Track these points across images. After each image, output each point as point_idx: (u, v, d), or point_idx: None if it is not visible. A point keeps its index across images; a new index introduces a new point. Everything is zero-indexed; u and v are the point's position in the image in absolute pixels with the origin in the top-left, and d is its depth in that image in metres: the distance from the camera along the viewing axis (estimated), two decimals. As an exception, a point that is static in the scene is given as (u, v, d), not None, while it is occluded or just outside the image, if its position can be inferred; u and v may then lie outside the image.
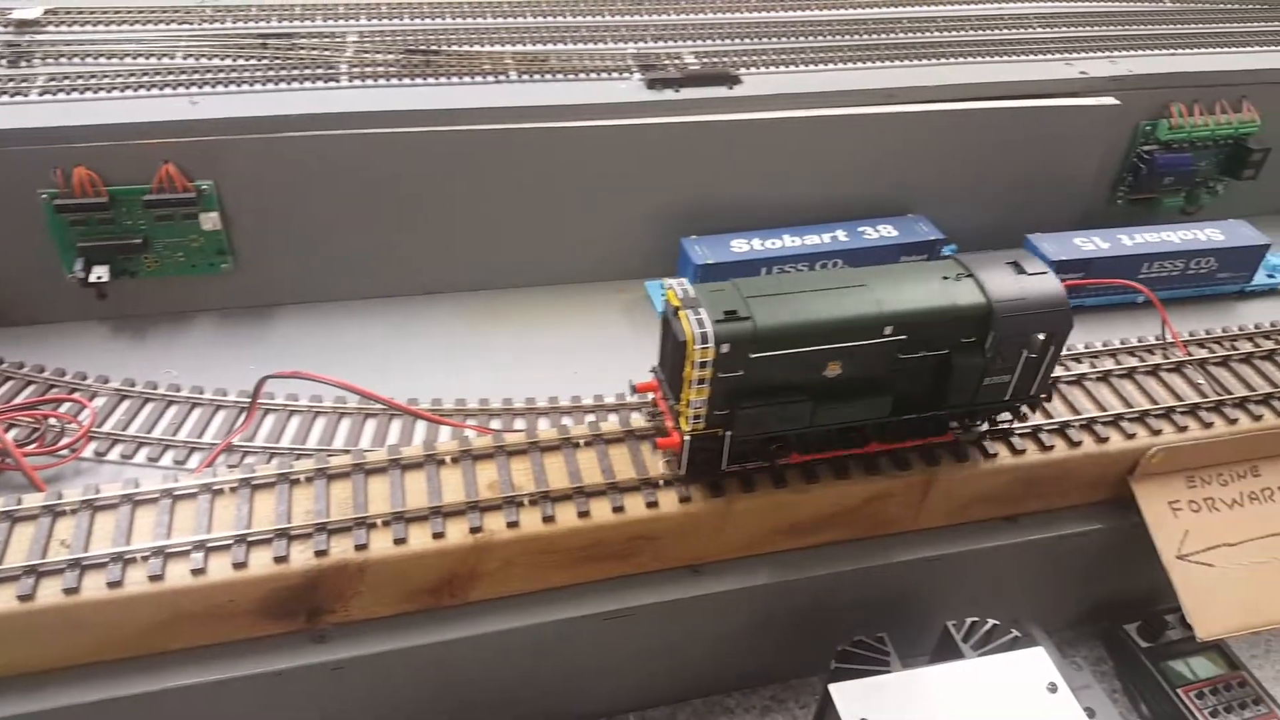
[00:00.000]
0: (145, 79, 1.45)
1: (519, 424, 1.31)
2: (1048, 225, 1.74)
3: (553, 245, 1.61)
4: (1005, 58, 1.80)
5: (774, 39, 1.78)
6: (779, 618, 1.20)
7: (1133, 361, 1.34)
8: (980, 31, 1.88)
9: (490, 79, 1.55)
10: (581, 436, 1.13)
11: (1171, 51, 1.89)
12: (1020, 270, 1.04)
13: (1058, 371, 1.27)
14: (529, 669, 1.12)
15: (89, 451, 1.22)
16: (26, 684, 0.95)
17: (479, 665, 1.09)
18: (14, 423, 1.22)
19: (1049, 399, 1.14)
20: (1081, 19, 1.98)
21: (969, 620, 1.16)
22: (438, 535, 1.00)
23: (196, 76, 1.47)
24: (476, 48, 1.63)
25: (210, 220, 1.40)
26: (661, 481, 1.09)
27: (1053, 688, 1.03)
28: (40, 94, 1.41)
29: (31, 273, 1.41)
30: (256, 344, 1.46)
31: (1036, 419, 1.20)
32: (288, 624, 1.00)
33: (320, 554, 0.96)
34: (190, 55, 1.54)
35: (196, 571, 0.94)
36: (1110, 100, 1.73)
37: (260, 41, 1.59)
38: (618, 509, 1.06)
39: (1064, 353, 1.25)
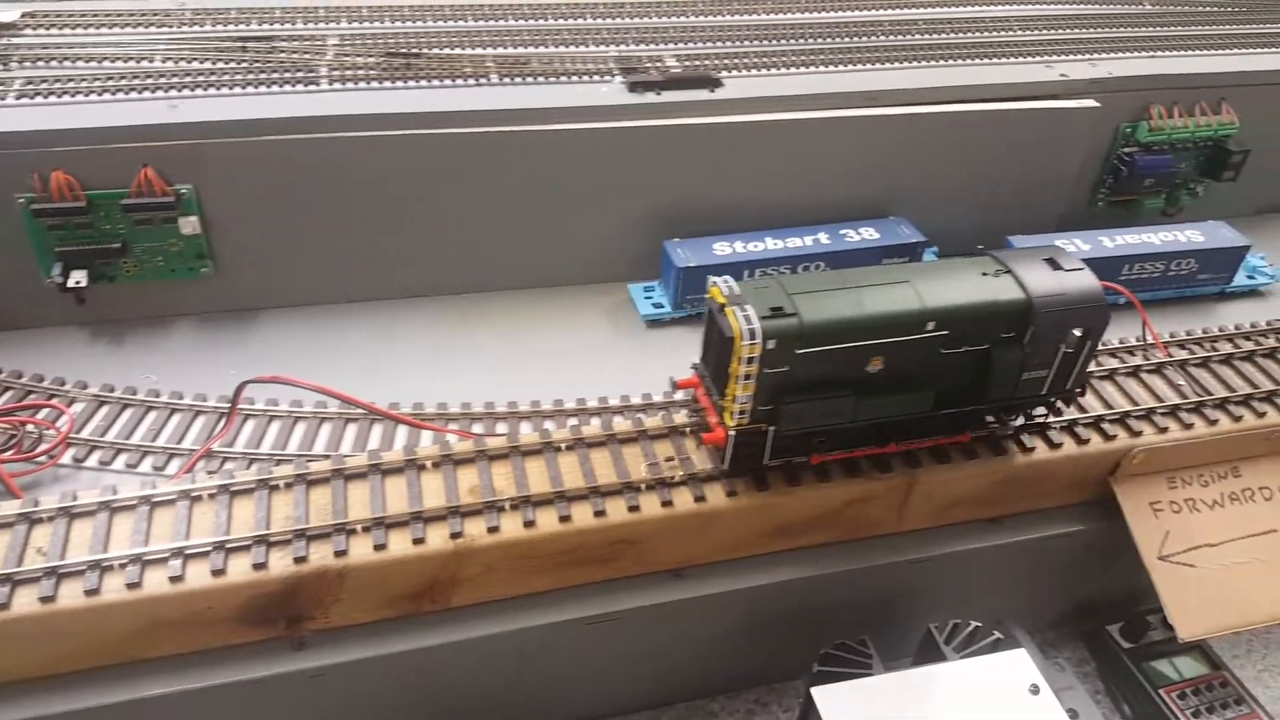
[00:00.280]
0: (123, 82, 1.44)
1: (501, 428, 1.31)
2: (1029, 227, 1.75)
3: (534, 248, 1.60)
4: (986, 60, 1.81)
5: (755, 42, 1.78)
6: (762, 621, 1.20)
7: (1113, 363, 1.35)
8: (961, 34, 1.89)
9: (471, 82, 1.54)
10: (562, 440, 1.13)
11: (1151, 54, 1.90)
12: (1056, 266, 1.06)
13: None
14: (511, 675, 1.12)
15: (67, 458, 1.20)
16: (2, 694, 0.94)
17: (461, 671, 1.08)
18: (-10, 429, 1.21)
19: (1084, 394, 1.16)
20: (1062, 22, 1.99)
21: (951, 622, 1.16)
22: (418, 541, 1.00)
23: (175, 80, 1.46)
24: (458, 50, 1.63)
25: (190, 224, 1.39)
26: (643, 486, 1.09)
27: (1035, 689, 1.04)
28: (17, 98, 1.40)
29: (9, 278, 1.40)
30: (237, 349, 1.45)
31: (1018, 421, 1.20)
32: (267, 631, 0.99)
33: (299, 560, 0.96)
34: (169, 58, 1.53)
35: (175, 579, 0.93)
36: (1090, 103, 1.74)
37: (239, 44, 1.58)
38: (599, 513, 1.05)
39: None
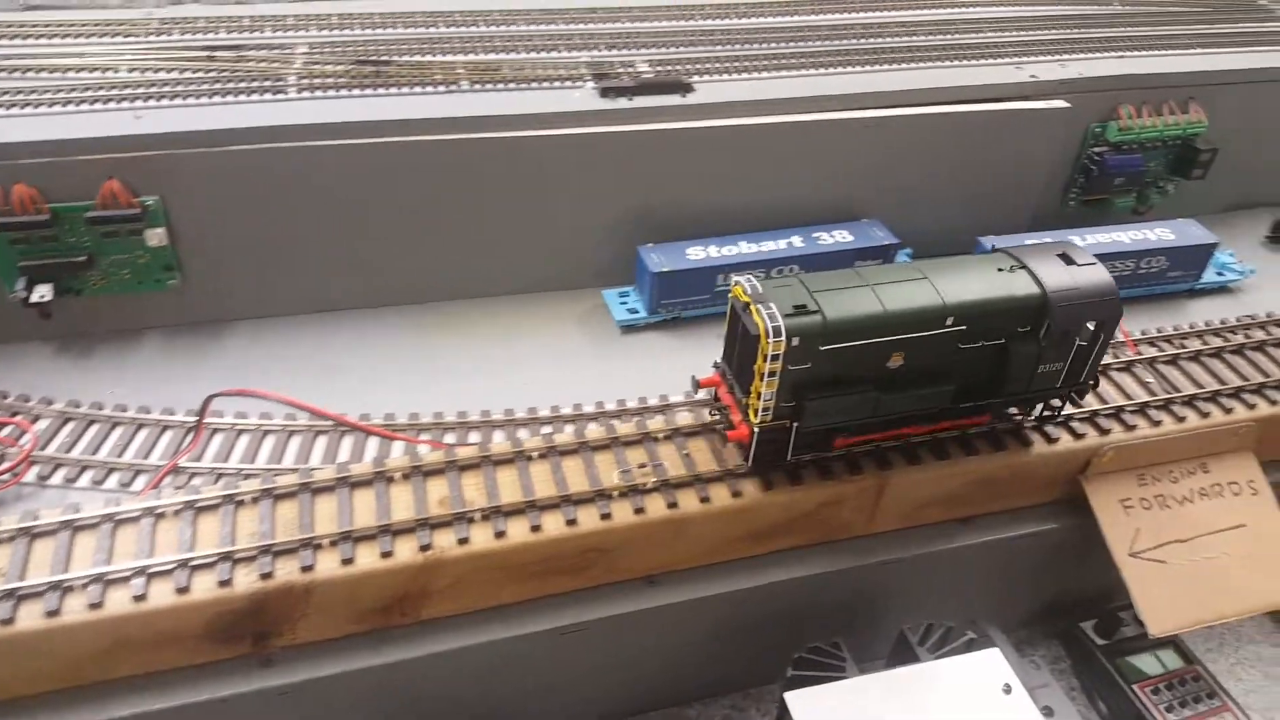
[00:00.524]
0: (87, 93, 1.43)
1: (474, 437, 1.30)
2: (1002, 227, 1.75)
3: (507, 255, 1.59)
4: (958, 62, 1.81)
5: (727, 46, 1.78)
6: (737, 626, 1.19)
7: (1083, 362, 1.36)
8: (933, 37, 1.90)
9: (442, 89, 1.54)
10: (534, 449, 1.12)
11: (1120, 54, 1.91)
12: (1070, 261, 1.08)
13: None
14: (484, 687, 1.11)
15: (31, 476, 1.19)
16: (-37, 717, 0.93)
17: (432, 685, 1.07)
18: (-47, 448, 1.20)
19: (1097, 385, 1.18)
20: (1032, 23, 2.01)
21: (925, 623, 1.17)
22: (386, 554, 0.99)
23: (141, 91, 1.44)
24: (428, 58, 1.62)
25: (156, 236, 1.38)
26: (615, 494, 1.08)
27: (1007, 688, 1.04)
28: (-22, 110, 1.38)
29: (-28, 293, 1.38)
30: (206, 361, 1.43)
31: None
32: (234, 648, 0.98)
33: (265, 577, 0.95)
34: (135, 69, 1.52)
35: (138, 598, 0.92)
36: (1060, 103, 1.75)
37: (207, 54, 1.56)
38: (571, 522, 1.05)
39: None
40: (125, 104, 1.42)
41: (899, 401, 1.05)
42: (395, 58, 1.60)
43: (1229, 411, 1.29)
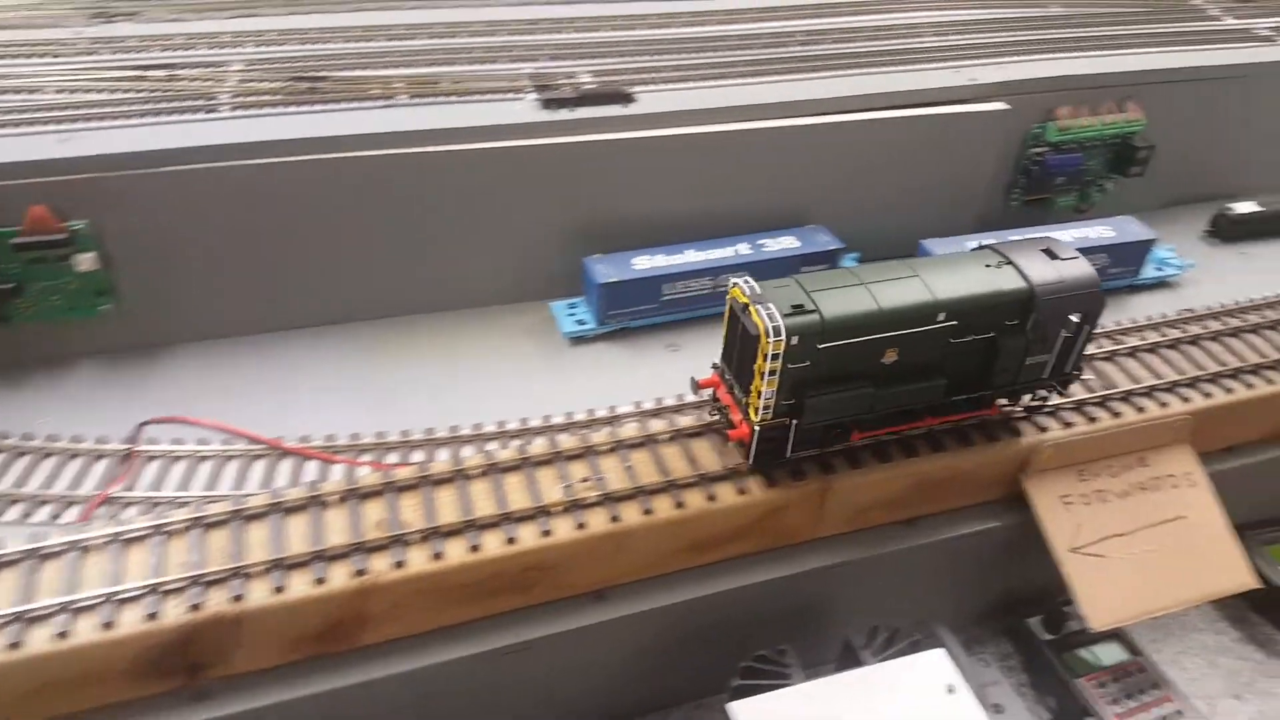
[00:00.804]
0: (10, 116, 1.40)
1: (416, 457, 1.29)
2: (946, 229, 1.76)
3: (451, 270, 1.58)
4: (898, 67, 1.83)
5: (671, 56, 1.78)
6: (686, 637, 1.19)
7: (1023, 361, 1.37)
8: (873, 42, 1.91)
9: (380, 103, 1.52)
10: (474, 467, 1.12)
11: (1058, 55, 1.94)
12: (1054, 256, 1.12)
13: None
14: (428, 710, 1.09)
15: (-43, 512, 1.16)
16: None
17: (375, 711, 1.05)
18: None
19: (1080, 376, 1.22)
20: (971, 26, 2.03)
21: (871, 626, 1.17)
22: (319, 581, 0.97)
23: (68, 113, 1.42)
24: (366, 72, 1.61)
25: (86, 261, 1.35)
26: (556, 509, 1.08)
27: (951, 689, 1.04)
28: (-105, 136, 1.35)
29: (-105, 325, 1.35)
30: (142, 387, 1.40)
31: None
32: (167, 682, 0.96)
33: (194, 608, 0.93)
34: (63, 90, 1.49)
35: (61, 635, 0.89)
36: (1000, 105, 1.77)
37: (137, 73, 1.54)
38: (511, 540, 1.04)
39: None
40: (52, 126, 1.39)
41: (895, 396, 1.09)
42: (331, 73, 1.59)
43: (1165, 406, 1.31)
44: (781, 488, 1.14)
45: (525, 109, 1.55)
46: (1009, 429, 1.25)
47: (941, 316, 1.06)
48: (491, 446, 1.29)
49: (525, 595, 1.09)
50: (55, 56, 1.58)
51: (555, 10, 1.90)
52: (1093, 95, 1.87)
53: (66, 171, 1.31)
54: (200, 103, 1.47)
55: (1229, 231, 2.01)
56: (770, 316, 0.99)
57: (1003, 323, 1.10)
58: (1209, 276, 1.85)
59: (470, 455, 1.15)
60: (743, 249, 1.65)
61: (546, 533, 1.05)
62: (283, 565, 0.98)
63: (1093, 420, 1.28)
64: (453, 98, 1.56)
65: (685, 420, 1.22)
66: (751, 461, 1.11)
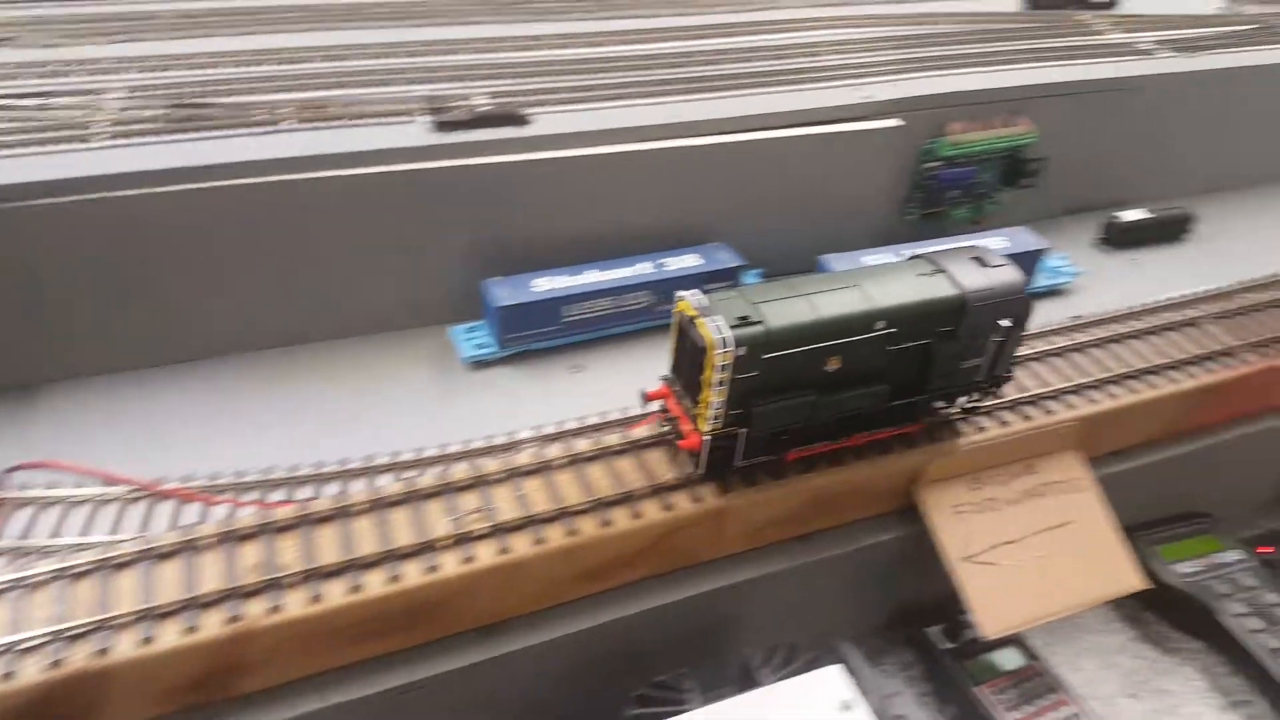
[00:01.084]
0: None
1: (304, 493, 1.25)
2: (846, 244, 1.79)
3: (346, 297, 1.55)
4: (796, 87, 1.85)
5: (569, 77, 1.78)
6: (585, 667, 1.17)
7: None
8: (772, 62, 1.94)
9: (266, 129, 1.49)
10: (358, 504, 1.09)
11: (951, 72, 1.99)
12: (983, 264, 1.16)
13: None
14: (315, 756, 1.06)
15: None
16: None
17: (257, 760, 1.02)
18: None
19: (1011, 378, 1.26)
20: (868, 45, 2.07)
21: (770, 645, 1.17)
22: (190, 629, 0.93)
23: (-71, 145, 1.36)
24: (252, 97, 1.57)
25: (-50, 300, 1.29)
26: (443, 544, 1.05)
27: (846, 705, 1.04)
28: None
29: None
30: (12, 430, 1.34)
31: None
32: (29, 745, 0.91)
33: (55, 665, 0.88)
34: (-76, 122, 1.43)
35: (-96, 702, 0.85)
36: (895, 122, 1.81)
37: (6, 103, 1.48)
38: (394, 579, 1.02)
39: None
40: (-88, 161, 1.33)
41: (839, 403, 1.12)
42: (216, 99, 1.54)
43: (1051, 414, 1.34)
44: (678, 509, 1.14)
45: (418, 132, 1.53)
46: (901, 439, 1.26)
47: (880, 324, 1.09)
48: (384, 479, 1.26)
49: (413, 634, 1.07)
50: (-81, 86, 1.52)
51: (453, 32, 1.89)
52: (983, 110, 1.93)
53: (-77, 207, 1.25)
54: (73, 132, 1.42)
55: (1119, 239, 2.08)
56: (718, 329, 1.01)
57: (937, 329, 1.14)
58: (1100, 283, 1.92)
59: (361, 489, 1.12)
60: (645, 268, 1.65)
61: (432, 569, 1.03)
62: (152, 615, 0.94)
63: (982, 430, 1.30)
64: (342, 122, 1.53)
65: (582, 444, 1.21)
66: (703, 470, 1.14)
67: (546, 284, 1.58)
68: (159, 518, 1.19)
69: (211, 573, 0.99)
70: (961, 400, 1.26)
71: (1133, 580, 1.31)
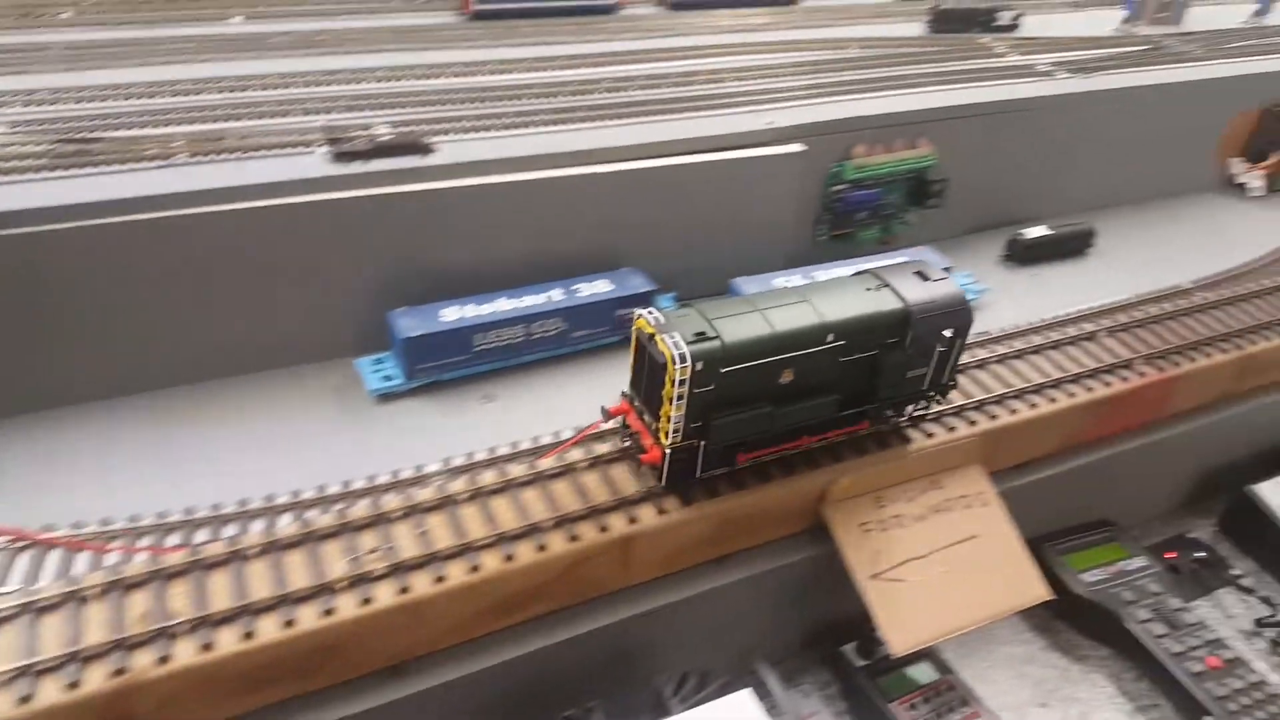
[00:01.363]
0: None
1: (201, 535, 1.20)
2: (758, 267, 1.82)
3: (246, 332, 1.51)
4: (701, 113, 1.88)
5: (474, 105, 1.77)
6: (496, 704, 1.15)
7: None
8: (678, 89, 1.96)
9: (157, 164, 1.45)
10: (252, 546, 1.05)
11: (854, 97, 2.04)
12: (925, 278, 1.21)
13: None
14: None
15: None
16: None
17: (145, 820, 0.97)
18: None
19: (955, 385, 1.31)
20: (772, 71, 2.11)
21: (682, 672, 1.17)
22: (72, 685, 0.89)
23: None
24: (144, 131, 1.53)
25: None
26: (341, 585, 1.03)
27: (757, 731, 1.04)
28: None
29: None
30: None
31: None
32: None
33: (-85, 734, 0.84)
34: None
35: None
36: (798, 147, 1.84)
37: (-124, 139, 1.42)
38: (289, 623, 0.98)
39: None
40: None
41: (793, 414, 1.16)
42: (105, 133, 1.50)
43: (952, 430, 1.37)
44: (584, 540, 1.13)
45: (316, 163, 1.50)
46: (807, 459, 1.27)
47: (830, 337, 1.13)
48: (285, 519, 1.22)
49: (315, 678, 1.04)
50: None
51: (355, 61, 1.87)
52: (886, 134, 1.98)
53: None
54: (-51, 169, 1.36)
55: (1022, 255, 2.14)
56: (676, 344, 1.04)
57: (884, 340, 1.18)
58: (1004, 299, 1.97)
59: (259, 531, 1.09)
60: (556, 295, 1.65)
61: (329, 611, 1.00)
62: (31, 671, 0.90)
63: (885, 447, 1.32)
64: (238, 155, 1.49)
65: (489, 476, 1.19)
66: (664, 483, 1.16)
67: (455, 313, 1.56)
68: (48, 569, 1.14)
69: (96, 624, 0.95)
70: (909, 409, 1.32)
71: (1039, 591, 1.34)
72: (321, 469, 1.32)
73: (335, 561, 1.05)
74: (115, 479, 1.32)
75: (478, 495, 1.17)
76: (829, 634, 1.43)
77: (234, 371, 1.53)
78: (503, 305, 1.60)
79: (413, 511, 1.13)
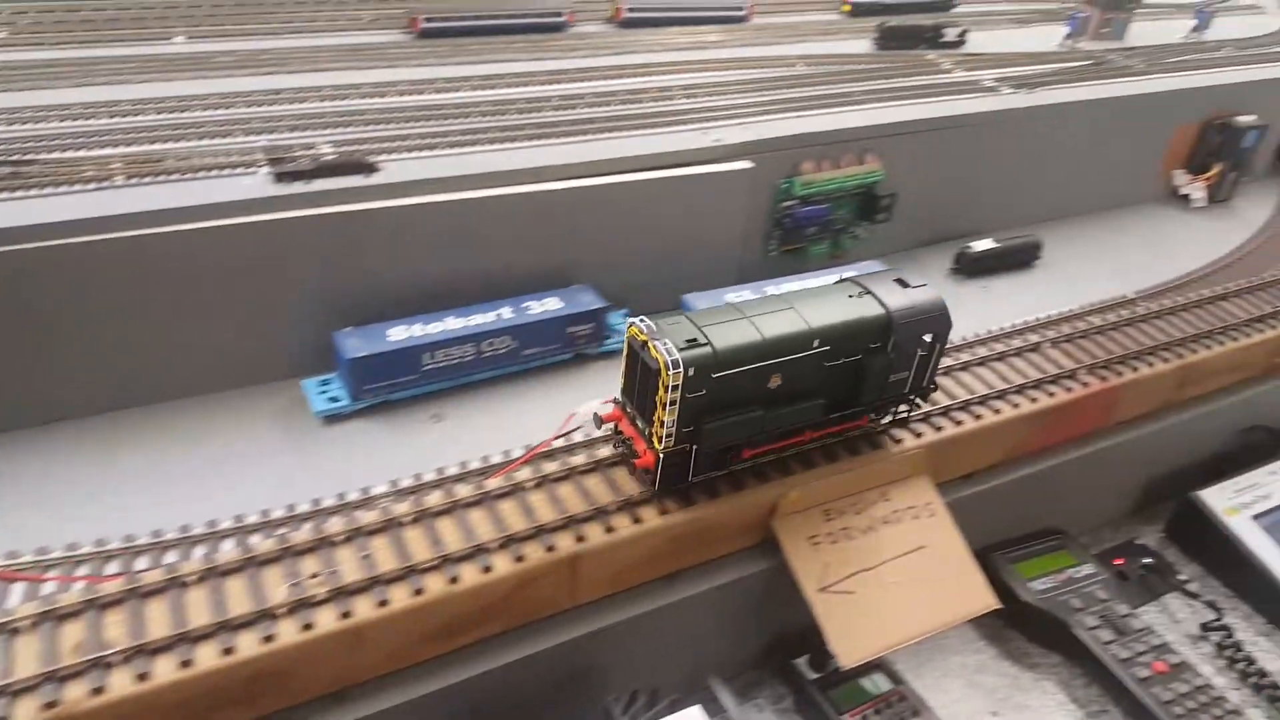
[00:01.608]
0: None
1: (142, 563, 1.18)
2: (710, 283, 1.82)
3: (188, 355, 1.49)
4: (649, 130, 1.89)
5: (419, 123, 1.77)
6: (445, 729, 1.14)
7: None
8: (626, 106, 1.97)
9: (93, 186, 1.42)
10: (191, 573, 1.03)
11: (802, 114, 2.06)
12: (905, 285, 1.25)
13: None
14: None
15: None
16: None
17: None
18: None
19: (936, 389, 1.35)
20: (721, 89, 2.13)
21: (632, 690, 1.16)
22: (-2, 721, 0.87)
23: None
24: (81, 153, 1.50)
25: None
26: (281, 610, 1.01)
27: (707, 749, 1.04)
28: None
29: None
30: None
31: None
32: None
33: None
34: None
35: None
36: (745, 164, 1.85)
37: None
38: (228, 650, 0.96)
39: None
40: None
41: (782, 417, 1.18)
42: (40, 155, 1.47)
43: (899, 442, 1.38)
44: (529, 560, 1.12)
45: (257, 184, 1.49)
46: (756, 474, 1.27)
47: (816, 343, 1.17)
48: (227, 544, 1.20)
49: (257, 705, 1.01)
50: None
51: (300, 80, 1.85)
52: (833, 150, 2.00)
53: None
54: (-124, 192, 1.33)
55: (970, 268, 2.18)
56: (668, 351, 1.06)
57: (867, 346, 1.22)
58: (953, 311, 1.95)
59: (199, 557, 1.07)
60: (505, 313, 1.64)
61: (269, 638, 0.98)
62: (-49, 711, 0.87)
63: (833, 460, 1.33)
64: (177, 176, 1.47)
65: (434, 498, 1.18)
66: (657, 486, 1.18)
67: (402, 332, 1.55)
68: (-19, 601, 1.11)
69: (27, 656, 0.92)
70: (892, 411, 1.35)
71: (987, 599, 1.35)
72: (266, 492, 1.30)
73: (276, 587, 1.03)
74: (54, 506, 1.29)
75: (422, 517, 1.15)
76: (783, 648, 1.43)
77: (177, 395, 1.50)
78: (451, 324, 1.59)
79: (356, 534, 1.11)
